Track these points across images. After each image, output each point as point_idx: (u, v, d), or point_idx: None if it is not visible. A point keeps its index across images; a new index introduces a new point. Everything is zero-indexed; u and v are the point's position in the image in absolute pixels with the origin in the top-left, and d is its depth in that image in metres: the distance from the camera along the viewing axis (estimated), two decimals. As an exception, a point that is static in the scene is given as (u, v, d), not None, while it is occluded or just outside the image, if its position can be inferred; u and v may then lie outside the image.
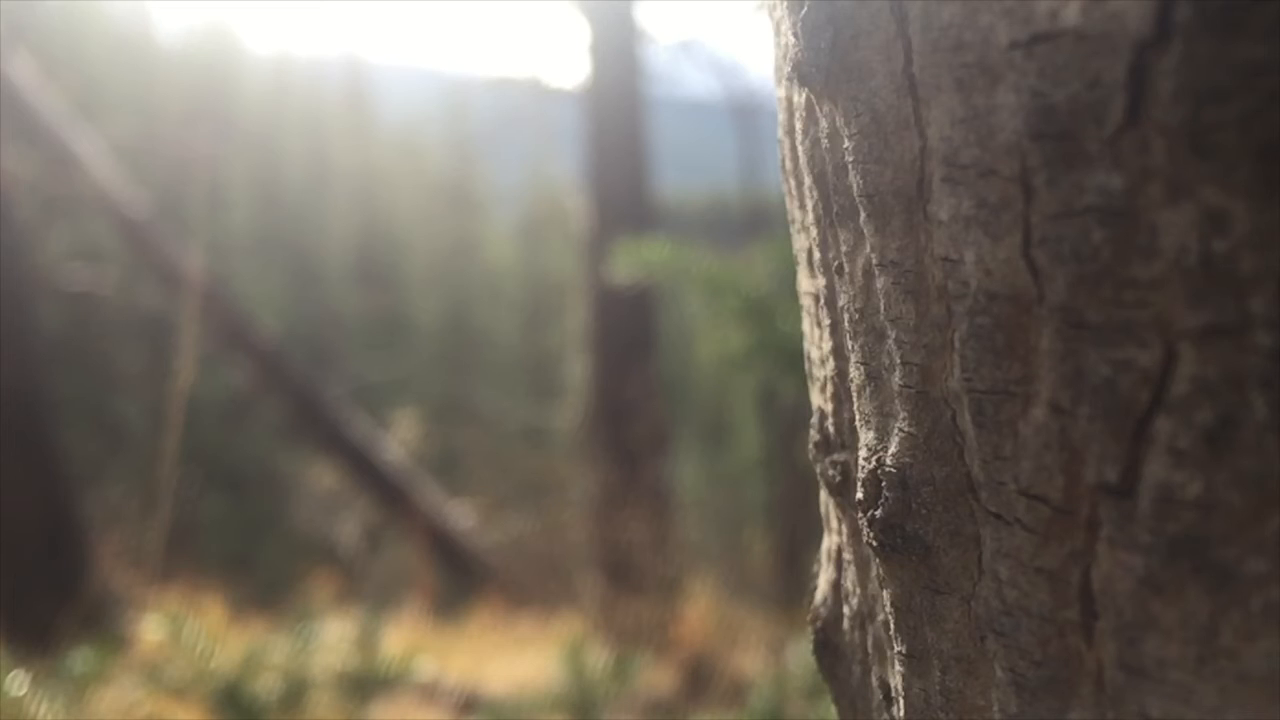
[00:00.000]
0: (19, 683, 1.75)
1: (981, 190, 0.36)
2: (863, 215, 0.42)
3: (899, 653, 0.44)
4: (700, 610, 3.96)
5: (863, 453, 0.44)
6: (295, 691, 1.84)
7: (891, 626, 0.44)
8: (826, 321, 0.48)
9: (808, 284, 0.51)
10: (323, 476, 6.71)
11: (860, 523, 0.44)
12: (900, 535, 0.42)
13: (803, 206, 0.50)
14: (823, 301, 0.49)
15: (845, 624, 0.52)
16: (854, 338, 0.45)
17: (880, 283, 0.42)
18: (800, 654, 1.93)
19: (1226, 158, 0.30)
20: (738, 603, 4.27)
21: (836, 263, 0.46)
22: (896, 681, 0.45)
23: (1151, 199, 0.31)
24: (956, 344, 0.38)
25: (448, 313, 11.72)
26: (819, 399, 0.52)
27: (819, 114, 0.45)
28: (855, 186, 0.42)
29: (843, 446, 0.50)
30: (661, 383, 5.57)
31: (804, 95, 0.47)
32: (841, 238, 0.45)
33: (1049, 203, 0.34)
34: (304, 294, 9.80)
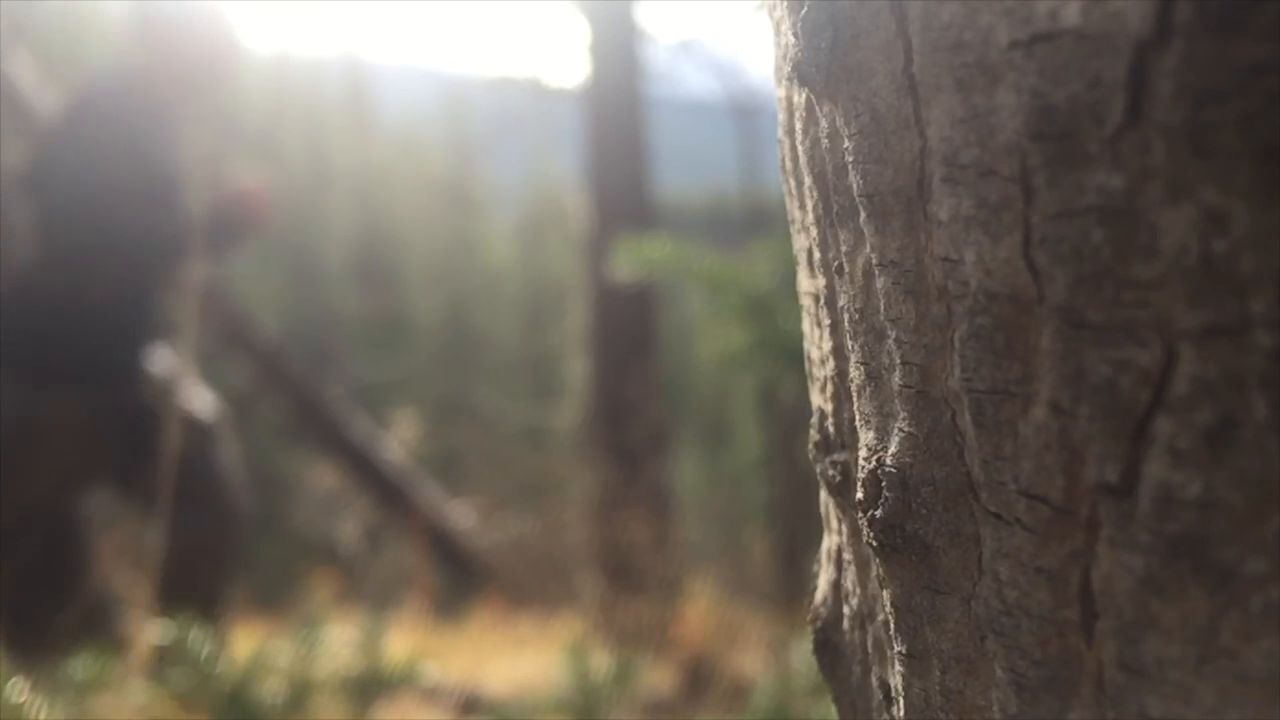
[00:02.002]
0: (19, 689, 1.74)
1: (981, 190, 0.36)
2: (863, 215, 0.42)
3: (899, 653, 0.44)
4: (700, 610, 3.96)
5: (863, 453, 0.44)
6: (299, 695, 1.84)
7: (891, 626, 0.44)
8: (826, 321, 0.49)
9: (808, 284, 0.51)
10: (323, 476, 6.71)
11: (860, 523, 0.44)
12: (900, 535, 0.42)
13: (803, 206, 0.50)
14: (823, 301, 0.49)
15: (845, 624, 0.52)
16: (854, 338, 0.45)
17: (880, 283, 0.42)
18: (803, 652, 1.93)
19: (1226, 158, 0.30)
20: (738, 603, 4.27)
21: (836, 263, 0.46)
22: (896, 681, 0.45)
23: (1151, 199, 0.31)
24: (956, 344, 0.38)
25: (448, 313, 11.72)
26: (819, 399, 0.52)
27: (819, 114, 0.45)
28: (855, 186, 0.42)
29: (843, 446, 0.50)
30: (661, 383, 5.57)
31: (804, 95, 0.47)
32: (841, 238, 0.45)
33: (1049, 203, 0.34)
34: (304, 294, 9.81)
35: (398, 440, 6.08)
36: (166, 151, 2.91)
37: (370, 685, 1.89)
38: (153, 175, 2.86)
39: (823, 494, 0.54)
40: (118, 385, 2.85)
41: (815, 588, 0.55)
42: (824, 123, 0.44)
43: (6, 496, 2.81)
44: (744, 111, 7.80)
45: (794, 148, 0.49)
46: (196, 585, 2.83)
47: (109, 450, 2.89)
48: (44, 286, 2.83)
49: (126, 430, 2.86)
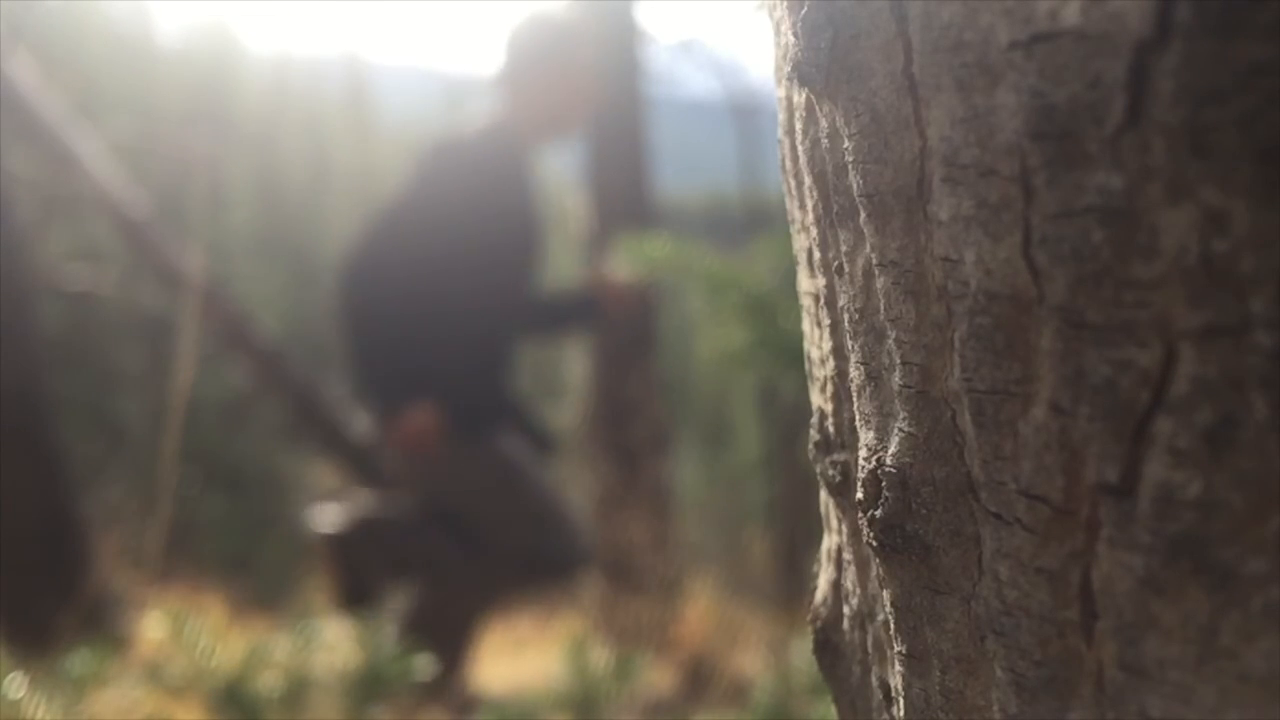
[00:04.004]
0: (17, 684, 1.75)
1: (981, 190, 0.36)
2: (863, 215, 0.42)
3: (899, 653, 0.44)
4: (700, 610, 3.96)
5: (863, 453, 0.44)
6: (296, 691, 1.84)
7: (891, 626, 0.44)
8: (826, 321, 0.48)
9: (808, 284, 0.51)
10: (323, 476, 6.70)
11: (860, 523, 0.44)
12: (900, 535, 0.42)
13: (803, 206, 0.50)
14: (823, 301, 0.49)
15: (845, 624, 0.52)
16: (854, 338, 0.45)
17: (880, 283, 0.42)
18: (803, 652, 1.93)
19: (1226, 158, 0.30)
20: (738, 603, 4.27)
21: (836, 263, 0.46)
22: (896, 681, 0.45)
23: (1151, 199, 0.31)
24: (956, 344, 0.38)
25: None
26: (819, 399, 0.52)
27: (819, 114, 0.45)
28: (855, 186, 0.42)
29: (843, 446, 0.50)
30: (661, 382, 5.56)
31: (804, 95, 0.47)
32: (841, 238, 0.45)
33: (1049, 203, 0.34)
34: (304, 294, 9.79)
35: (398, 440, 6.06)
36: (529, 193, 2.94)
37: (368, 682, 1.89)
38: (518, 220, 2.90)
39: (823, 494, 0.54)
40: (492, 428, 2.89)
41: (815, 588, 0.55)
42: (824, 123, 0.44)
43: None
44: (744, 111, 7.79)
45: (794, 148, 0.49)
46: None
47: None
48: (416, 336, 2.84)
49: (498, 474, 2.91)
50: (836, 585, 0.53)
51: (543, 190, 3.06)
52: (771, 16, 0.50)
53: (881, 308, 0.42)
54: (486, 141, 2.87)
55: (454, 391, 2.80)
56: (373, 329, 2.80)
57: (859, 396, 0.45)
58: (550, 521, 2.84)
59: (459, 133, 3.01)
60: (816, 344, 0.51)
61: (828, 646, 0.53)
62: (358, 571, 2.88)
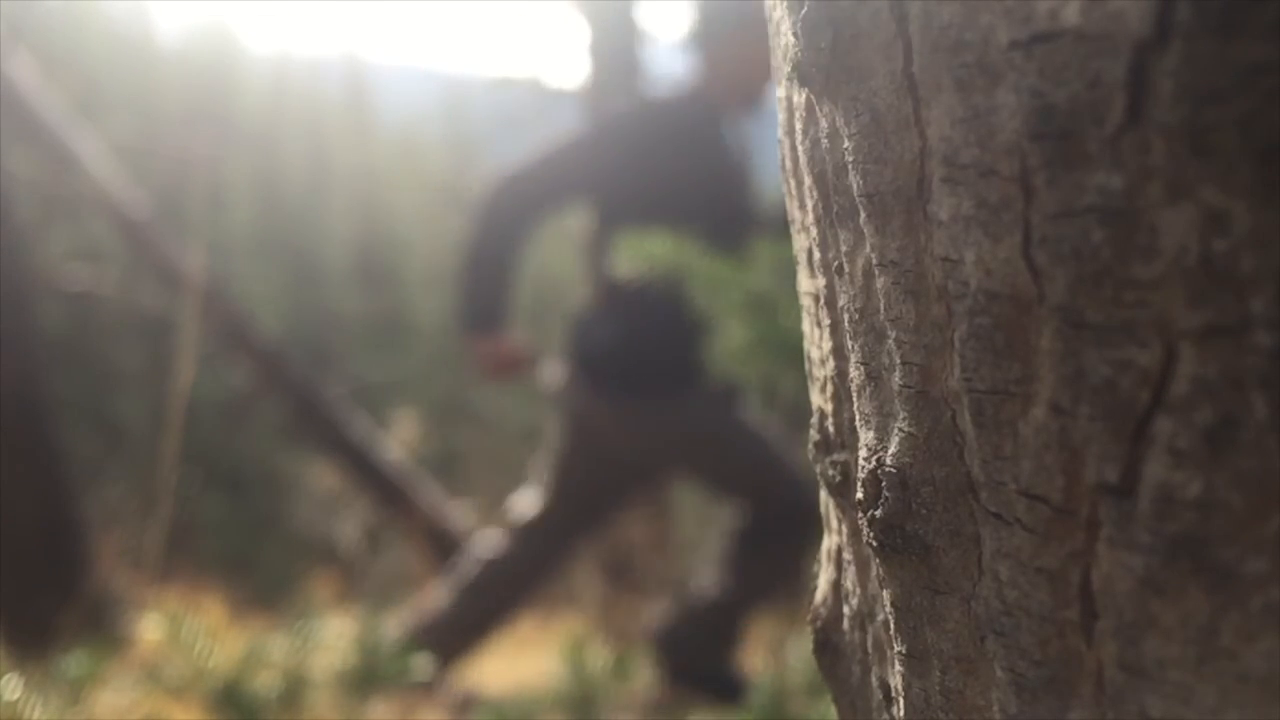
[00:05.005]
0: (13, 686, 1.74)
1: (981, 190, 0.36)
2: (863, 215, 0.42)
3: (899, 653, 0.44)
4: (700, 610, 3.95)
5: (863, 453, 0.44)
6: (294, 690, 1.84)
7: (891, 626, 0.44)
8: (826, 321, 0.48)
9: (808, 284, 0.51)
10: (323, 476, 6.71)
11: (860, 523, 0.44)
12: (900, 535, 0.42)
13: (803, 206, 0.50)
14: (823, 301, 0.49)
15: (845, 624, 0.52)
16: (854, 338, 0.45)
17: (880, 283, 0.42)
18: (802, 651, 1.93)
19: (1226, 158, 0.30)
20: (737, 602, 4.27)
21: (836, 263, 0.46)
22: (896, 681, 0.45)
23: (1151, 199, 0.31)
24: (956, 344, 0.38)
25: (447, 313, 11.69)
26: (819, 399, 0.52)
27: (819, 114, 0.45)
28: (855, 186, 0.42)
29: (843, 446, 0.50)
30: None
31: (804, 95, 0.47)
32: (841, 238, 0.45)
33: (1049, 203, 0.34)
34: (304, 294, 9.79)
35: (398, 440, 6.07)
36: (732, 157, 2.93)
37: (366, 681, 1.89)
38: (722, 184, 2.88)
39: (823, 494, 0.54)
40: (677, 396, 2.87)
41: (815, 588, 0.55)
42: (824, 123, 0.44)
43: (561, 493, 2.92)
44: (744, 111, 7.79)
45: (794, 148, 0.49)
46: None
47: (652, 462, 2.97)
48: (616, 302, 2.85)
49: (673, 444, 2.90)
50: (836, 585, 0.53)
51: (743, 155, 3.03)
52: (771, 16, 0.50)
53: (881, 308, 0.42)
54: (685, 107, 2.86)
55: (656, 349, 2.79)
56: (491, 249, 2.84)
57: (859, 396, 0.45)
58: (783, 458, 2.84)
59: (655, 98, 3.02)
60: (816, 344, 0.51)
61: (828, 646, 0.53)
62: (700, 658, 2.86)
